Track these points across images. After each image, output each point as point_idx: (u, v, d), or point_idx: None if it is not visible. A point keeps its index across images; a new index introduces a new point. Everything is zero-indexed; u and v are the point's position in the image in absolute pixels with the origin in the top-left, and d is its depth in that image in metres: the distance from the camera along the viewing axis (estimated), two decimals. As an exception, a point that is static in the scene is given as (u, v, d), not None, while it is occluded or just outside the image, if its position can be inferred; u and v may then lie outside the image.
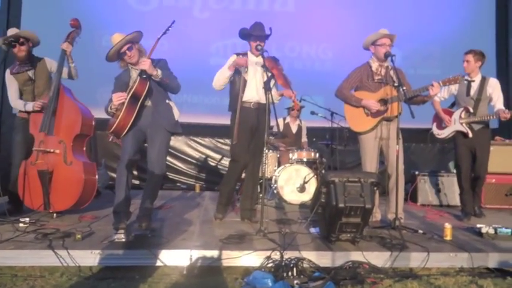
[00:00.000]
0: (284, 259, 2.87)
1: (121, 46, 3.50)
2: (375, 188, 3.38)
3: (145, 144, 3.77)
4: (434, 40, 7.67)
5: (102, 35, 6.70)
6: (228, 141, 6.96)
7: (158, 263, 2.94)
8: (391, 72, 4.04)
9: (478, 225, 3.73)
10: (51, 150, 3.96)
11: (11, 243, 3.06)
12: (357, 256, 3.03)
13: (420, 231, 3.73)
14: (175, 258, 2.98)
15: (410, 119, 3.69)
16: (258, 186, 4.55)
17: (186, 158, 7.35)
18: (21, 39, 4.11)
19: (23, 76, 4.20)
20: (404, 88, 3.81)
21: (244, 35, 4.07)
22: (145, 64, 3.44)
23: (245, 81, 4.01)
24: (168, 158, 7.01)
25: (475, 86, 4.60)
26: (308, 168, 5.43)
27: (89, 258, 2.90)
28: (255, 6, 7.63)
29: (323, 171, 5.55)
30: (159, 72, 3.53)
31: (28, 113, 4.18)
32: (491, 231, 3.60)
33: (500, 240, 3.50)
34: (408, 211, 4.95)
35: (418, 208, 5.46)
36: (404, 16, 7.45)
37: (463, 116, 4.61)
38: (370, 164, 4.09)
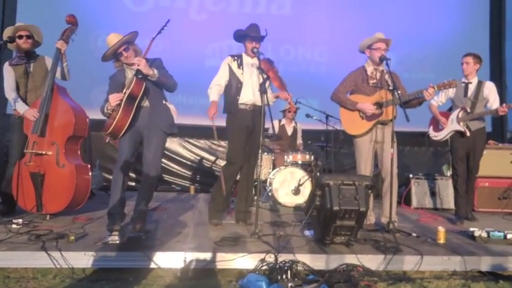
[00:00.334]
0: (278, 262, 2.86)
1: (118, 47, 3.49)
2: (370, 191, 3.40)
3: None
4: (429, 44, 7.73)
5: (98, 35, 6.70)
6: (223, 143, 6.97)
7: (152, 265, 2.93)
8: (386, 76, 4.06)
9: (471, 229, 3.76)
10: (43, 153, 3.93)
11: (3, 244, 3.03)
12: (351, 259, 3.04)
13: (414, 235, 3.75)
14: (169, 260, 2.97)
15: (404, 122, 3.72)
16: (253, 189, 4.55)
17: (181, 159, 7.34)
18: (29, 33, 4.15)
19: (21, 68, 4.18)
20: (399, 92, 3.83)
21: (240, 36, 4.08)
22: (141, 63, 3.42)
23: (241, 83, 4.01)
24: (163, 160, 6.99)
25: (472, 88, 4.68)
26: (303, 171, 5.44)
27: (83, 260, 2.88)
28: (252, 9, 7.65)
29: (318, 174, 5.56)
30: (155, 71, 3.51)
31: None
32: (484, 234, 3.62)
33: (493, 243, 3.53)
34: (402, 214, 4.98)
35: (411, 211, 5.49)
36: (399, 20, 7.50)
37: (460, 115, 4.67)
38: (365, 167, 4.11)
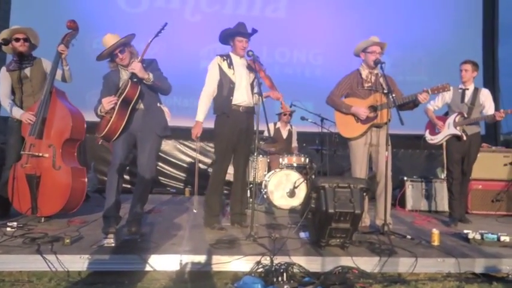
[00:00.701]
0: (274, 264, 2.88)
1: (114, 49, 3.49)
2: (364, 194, 3.42)
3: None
4: (423, 47, 7.80)
5: (93, 37, 6.67)
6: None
7: (148, 268, 2.93)
8: (381, 80, 4.09)
9: (465, 231, 3.79)
10: (40, 155, 3.92)
11: (-2, 247, 3.02)
12: (346, 261, 3.05)
13: (408, 237, 3.77)
14: (165, 263, 2.97)
15: (398, 125, 3.74)
16: (248, 191, 4.56)
17: (176, 162, 7.33)
18: (26, 36, 4.15)
19: (18, 73, 4.17)
20: (393, 95, 3.86)
21: (228, 35, 4.03)
22: (136, 68, 3.42)
23: (233, 84, 3.99)
24: (158, 162, 6.99)
25: (468, 94, 4.78)
26: (298, 174, 5.45)
27: (78, 263, 2.87)
28: (247, 11, 7.67)
29: (313, 177, 5.58)
30: (151, 75, 3.51)
31: None
32: (478, 237, 3.66)
33: (487, 245, 3.56)
34: (397, 216, 5.01)
35: (406, 213, 5.52)
36: (393, 23, 7.56)
37: (457, 120, 4.75)
38: (360, 169, 4.13)
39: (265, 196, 5.46)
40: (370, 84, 4.13)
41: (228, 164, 4.12)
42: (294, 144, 6.51)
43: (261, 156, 5.82)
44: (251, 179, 5.36)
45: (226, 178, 4.20)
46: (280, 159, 5.74)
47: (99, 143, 3.59)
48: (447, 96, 4.82)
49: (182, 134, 7.16)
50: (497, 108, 4.84)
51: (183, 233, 3.78)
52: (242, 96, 4.02)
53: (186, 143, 7.39)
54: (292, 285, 2.65)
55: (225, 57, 4.05)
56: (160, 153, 6.86)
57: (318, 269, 3.01)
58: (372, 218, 4.26)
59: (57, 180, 3.92)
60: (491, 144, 6.19)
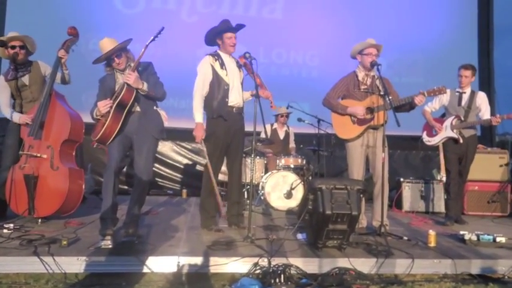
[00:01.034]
0: (271, 266, 2.88)
1: (111, 54, 3.48)
2: (361, 195, 3.43)
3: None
4: (418, 49, 7.85)
5: (89, 38, 6.65)
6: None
7: (145, 270, 2.92)
8: (377, 82, 4.11)
9: (461, 232, 3.81)
10: (38, 155, 3.93)
11: (-5, 249, 3.01)
12: (343, 263, 3.06)
13: (405, 238, 3.78)
14: (162, 264, 2.96)
15: (395, 126, 3.76)
16: (245, 192, 4.55)
17: (173, 163, 7.33)
18: (22, 43, 4.15)
19: (16, 83, 4.18)
20: (390, 97, 3.88)
21: (216, 33, 3.97)
22: (131, 79, 3.40)
23: (228, 85, 3.97)
24: (155, 164, 6.97)
25: (465, 97, 4.85)
26: (295, 175, 5.46)
27: (75, 264, 2.86)
28: (243, 12, 7.69)
29: (310, 178, 5.59)
30: (145, 86, 3.50)
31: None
32: (474, 238, 3.67)
33: (483, 246, 3.58)
34: (393, 218, 5.02)
35: (403, 215, 5.54)
36: (389, 25, 7.60)
37: (454, 123, 4.82)
38: (357, 171, 4.14)
39: (262, 197, 5.46)
40: (366, 86, 4.15)
41: (221, 166, 4.12)
42: (292, 144, 6.53)
43: (258, 157, 5.82)
44: (247, 180, 5.39)
45: (221, 179, 4.19)
46: (277, 161, 5.75)
47: (94, 146, 3.59)
48: (444, 98, 4.88)
49: (179, 136, 7.18)
50: (492, 110, 4.91)
51: (181, 235, 3.78)
52: (236, 98, 4.02)
53: (183, 144, 7.39)
54: (289, 287, 2.66)
55: (216, 57, 3.98)
56: (157, 155, 6.84)
57: (315, 270, 3.02)
58: (368, 219, 4.28)
59: (55, 180, 3.93)
60: (486, 145, 6.24)
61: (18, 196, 3.89)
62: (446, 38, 7.86)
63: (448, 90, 4.58)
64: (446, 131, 4.85)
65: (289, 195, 5.35)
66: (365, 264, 3.08)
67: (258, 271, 2.89)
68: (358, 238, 3.68)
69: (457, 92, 4.87)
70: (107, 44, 3.47)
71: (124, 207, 3.82)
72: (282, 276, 2.72)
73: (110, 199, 3.49)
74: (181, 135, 7.21)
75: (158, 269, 2.95)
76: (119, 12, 7.37)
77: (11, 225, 3.60)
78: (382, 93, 3.97)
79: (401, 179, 5.98)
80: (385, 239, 3.56)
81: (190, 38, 7.19)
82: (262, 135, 5.65)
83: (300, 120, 5.93)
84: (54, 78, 4.11)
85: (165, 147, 7.28)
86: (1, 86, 4.19)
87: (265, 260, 2.95)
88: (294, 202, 5.31)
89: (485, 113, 4.82)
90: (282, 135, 6.43)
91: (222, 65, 3.97)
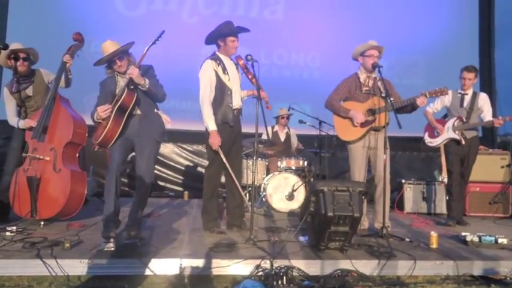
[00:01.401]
0: (274, 268, 2.89)
1: (113, 56, 3.49)
2: (363, 197, 3.43)
3: (133, 153, 3.75)
4: (419, 50, 7.84)
5: (91, 40, 6.62)
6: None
7: (148, 272, 2.93)
8: (379, 83, 4.11)
9: (463, 233, 3.81)
10: (41, 157, 3.96)
11: (-2, 252, 3.02)
12: (345, 264, 3.07)
13: (407, 240, 3.79)
14: (164, 267, 2.98)
15: (396, 127, 3.77)
16: (247, 194, 4.54)
17: (175, 165, 7.33)
18: (25, 55, 4.19)
19: (19, 95, 4.23)
20: (391, 99, 3.88)
21: (221, 35, 3.95)
22: (133, 73, 3.41)
23: (230, 90, 3.97)
24: (157, 166, 6.97)
25: (467, 99, 4.86)
26: (296, 176, 5.46)
27: (78, 267, 2.87)
28: (244, 12, 7.69)
29: (311, 179, 5.60)
30: (147, 81, 3.51)
31: None
32: (476, 239, 3.67)
33: (485, 248, 3.58)
34: (395, 219, 5.02)
35: (404, 216, 5.54)
36: (389, 26, 7.60)
37: (456, 124, 4.82)
38: (359, 172, 4.15)
39: (264, 199, 5.46)
40: (368, 87, 4.16)
41: (223, 168, 4.12)
42: (296, 144, 6.51)
43: (259, 159, 5.82)
44: (249, 182, 5.40)
45: (223, 181, 4.21)
46: (279, 162, 5.76)
47: (95, 149, 3.60)
48: (446, 99, 4.88)
49: (180, 137, 7.19)
50: (494, 111, 4.91)
51: (183, 237, 3.78)
52: (237, 101, 4.04)
53: (184, 146, 7.39)
54: (292, 289, 2.66)
55: (218, 62, 3.97)
56: (158, 157, 6.85)
57: (317, 272, 3.02)
58: (370, 220, 4.28)
59: (57, 182, 3.96)
60: (488, 146, 6.23)
61: (22, 198, 3.92)
62: (447, 39, 7.85)
63: (450, 92, 4.60)
64: (448, 132, 4.85)
65: (290, 196, 5.35)
66: (367, 266, 3.09)
67: (260, 273, 2.90)
68: (360, 240, 3.68)
69: (459, 93, 4.87)
70: (109, 47, 3.48)
71: (126, 209, 3.83)
72: (284, 278, 2.74)
73: (112, 202, 3.50)
74: (183, 137, 7.23)
75: (161, 271, 2.96)
76: (120, 15, 7.39)
77: (14, 227, 3.61)
78: (383, 95, 3.98)
79: (403, 181, 5.98)
80: (387, 240, 3.57)
81: (191, 39, 7.18)
82: (264, 137, 5.69)
83: (301, 122, 5.94)
84: (59, 83, 4.15)
85: (167, 149, 7.28)
86: (6, 97, 4.26)
87: (268, 262, 2.96)
88: (296, 204, 5.31)
89: (487, 114, 4.83)
90: (283, 137, 6.43)
91: (224, 69, 3.97)
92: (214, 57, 4.01)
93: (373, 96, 4.12)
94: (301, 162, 5.77)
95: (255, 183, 3.87)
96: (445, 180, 5.24)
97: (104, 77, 3.71)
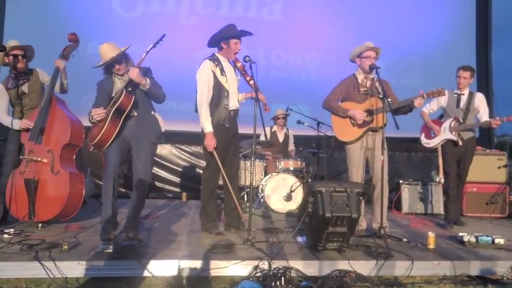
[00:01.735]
0: (272, 269, 2.89)
1: (113, 61, 3.48)
2: (361, 198, 3.45)
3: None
4: (416, 51, 7.87)
5: (88, 42, 6.64)
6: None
7: (146, 274, 2.94)
8: (377, 84, 4.12)
9: (460, 234, 3.83)
10: (39, 159, 3.95)
11: (-4, 254, 3.01)
12: (343, 265, 3.08)
13: (404, 240, 3.80)
14: (163, 268, 2.98)
15: (394, 128, 3.78)
16: (245, 195, 4.55)
17: (172, 166, 7.32)
18: (24, 52, 4.18)
19: (16, 91, 4.21)
20: (389, 100, 3.90)
21: (226, 37, 3.95)
22: (133, 73, 3.41)
23: (227, 91, 3.98)
24: (155, 167, 6.98)
25: (464, 99, 4.84)
26: (295, 177, 5.47)
27: (76, 269, 2.87)
28: (243, 13, 7.69)
29: (309, 180, 5.61)
30: (148, 81, 3.51)
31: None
32: (473, 239, 3.69)
33: (482, 248, 3.60)
34: (392, 219, 5.03)
35: (402, 216, 5.55)
36: (387, 27, 7.62)
37: (453, 125, 4.80)
38: (357, 173, 4.16)
39: (262, 200, 5.47)
40: (366, 88, 4.17)
41: (220, 169, 4.13)
42: (291, 147, 6.54)
43: (257, 160, 5.83)
44: (247, 183, 5.41)
45: (221, 183, 4.21)
46: (277, 163, 5.76)
47: (91, 149, 3.60)
48: (442, 100, 4.87)
49: (178, 139, 7.19)
50: (491, 112, 4.91)
51: (181, 238, 3.79)
52: (234, 102, 4.05)
53: (182, 147, 7.39)
54: (290, 290, 2.67)
55: (216, 63, 3.97)
56: (156, 158, 6.86)
57: (315, 273, 3.03)
58: (368, 221, 4.29)
59: (55, 185, 3.95)
60: (485, 147, 6.25)
61: (19, 201, 3.90)
62: (444, 40, 7.88)
63: (446, 92, 4.58)
64: (445, 133, 4.84)
65: (288, 197, 5.36)
66: (365, 267, 3.10)
67: (258, 274, 2.90)
68: (358, 240, 3.69)
69: (455, 93, 4.86)
70: (107, 50, 3.46)
71: (124, 210, 3.83)
72: (283, 279, 2.74)
73: (109, 203, 3.50)
74: (181, 138, 7.22)
75: (159, 272, 2.96)
76: (117, 16, 7.38)
77: (12, 230, 3.60)
78: (381, 95, 3.99)
79: (401, 181, 5.99)
80: (385, 241, 3.58)
81: (189, 41, 7.22)
82: (262, 138, 5.69)
83: (299, 122, 5.95)
84: (54, 85, 4.14)
85: (164, 150, 7.27)
86: (1, 94, 4.20)
87: (266, 263, 2.96)
88: (294, 205, 5.32)
89: (483, 115, 4.81)
90: (281, 138, 6.45)
91: (222, 71, 3.97)
92: (213, 58, 4.01)
93: (370, 97, 4.13)
94: (299, 163, 5.78)
95: (253, 184, 3.88)
96: (442, 180, 5.25)
97: (101, 78, 3.71)
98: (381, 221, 3.87)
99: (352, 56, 4.22)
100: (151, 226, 4.34)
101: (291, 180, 5.42)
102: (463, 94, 4.84)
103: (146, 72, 3.66)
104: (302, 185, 5.39)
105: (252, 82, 3.96)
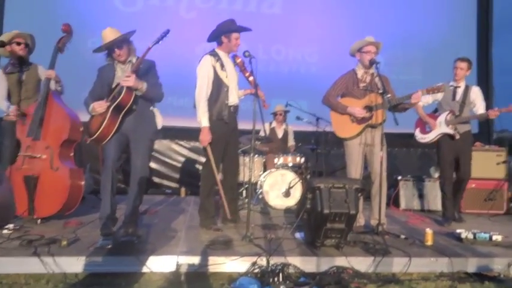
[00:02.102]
0: (270, 265, 2.91)
1: (112, 45, 3.47)
2: (359, 194, 3.45)
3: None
4: (416, 46, 7.84)
5: (88, 37, 6.64)
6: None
7: (145, 270, 2.95)
8: (376, 80, 4.11)
9: (458, 231, 3.84)
10: (38, 156, 3.94)
11: (-5, 250, 3.02)
12: (341, 261, 3.09)
13: (402, 237, 3.81)
14: (161, 264, 2.99)
15: (392, 124, 3.77)
16: (244, 191, 4.55)
17: (171, 162, 7.32)
18: (25, 41, 4.22)
19: (14, 76, 4.20)
20: (389, 95, 3.89)
21: (226, 31, 3.97)
22: (130, 81, 3.38)
23: (227, 87, 4.00)
24: (153, 163, 6.99)
25: (460, 92, 4.75)
26: (293, 173, 5.47)
27: (75, 265, 2.89)
28: (242, 7, 7.66)
29: (308, 176, 5.61)
30: (144, 85, 3.48)
31: (15, 116, 4.15)
32: (471, 236, 3.70)
33: (479, 245, 3.61)
34: (391, 216, 5.05)
35: (400, 213, 5.57)
36: (387, 22, 7.60)
37: (449, 118, 4.71)
38: (355, 169, 4.16)
39: (260, 196, 5.47)
40: (365, 84, 4.15)
41: (220, 165, 4.14)
42: (291, 142, 6.53)
43: (256, 156, 5.83)
44: (246, 178, 5.41)
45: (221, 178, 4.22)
46: (276, 159, 5.76)
47: (88, 142, 3.60)
48: (439, 93, 4.75)
49: (177, 134, 7.19)
50: (490, 107, 4.85)
51: (180, 234, 3.80)
52: (234, 98, 4.06)
53: (181, 142, 7.38)
54: (288, 286, 2.68)
55: (216, 58, 3.99)
56: (155, 153, 6.87)
57: (313, 269, 3.05)
58: (366, 217, 4.30)
59: (55, 181, 3.94)
60: (484, 142, 6.23)
61: (18, 197, 3.89)
62: (445, 35, 7.84)
63: (445, 88, 4.53)
64: (441, 127, 4.72)
65: (287, 193, 5.37)
66: (362, 263, 3.12)
67: (256, 270, 2.92)
68: (356, 237, 3.71)
69: (451, 86, 4.77)
70: (110, 34, 3.48)
71: (123, 206, 3.84)
72: (281, 275, 2.76)
73: (108, 199, 3.51)
74: (180, 134, 7.22)
75: (157, 268, 2.97)
76: (117, 11, 7.35)
77: (11, 225, 3.60)
78: (381, 91, 3.98)
79: (399, 177, 6.00)
80: (383, 237, 3.59)
81: (189, 35, 7.18)
82: (261, 134, 5.70)
83: (298, 118, 5.95)
84: (49, 84, 4.08)
85: (163, 146, 7.27)
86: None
87: (264, 259, 2.98)
88: (292, 201, 5.33)
89: (479, 108, 4.71)
90: (280, 134, 6.44)
91: (222, 66, 3.99)
92: (213, 53, 4.02)
93: (370, 93, 4.12)
94: (298, 159, 5.78)
95: (252, 180, 3.89)
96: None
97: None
98: (379, 217, 3.88)
99: (352, 50, 4.21)
100: (150, 222, 4.35)
101: (290, 176, 5.42)
102: (459, 87, 4.76)
103: (150, 67, 3.65)
104: (301, 181, 5.40)
105: (251, 78, 3.97)
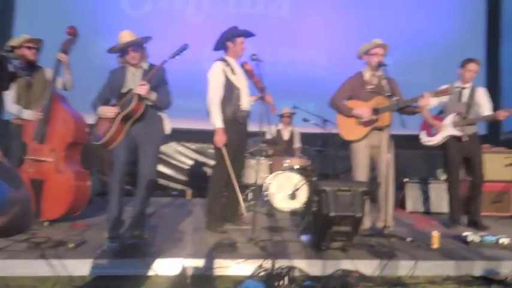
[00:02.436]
0: (275, 268, 2.91)
1: (128, 46, 3.52)
2: (365, 197, 3.44)
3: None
4: (425, 47, 7.79)
5: (96, 41, 6.68)
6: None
7: (151, 273, 2.97)
8: (384, 82, 4.08)
9: (464, 234, 3.81)
10: (44, 159, 3.97)
11: (3, 252, 3.03)
12: (346, 264, 3.09)
13: (408, 239, 3.79)
14: (167, 267, 3.01)
15: (398, 125, 3.76)
16: (250, 194, 4.55)
17: (178, 164, 7.33)
18: (36, 45, 4.26)
19: (23, 80, 4.24)
20: (396, 98, 3.87)
21: (234, 35, 4.03)
22: (143, 90, 3.44)
23: (238, 89, 4.02)
24: (160, 165, 6.99)
25: (466, 93, 4.66)
26: (299, 176, 5.46)
27: (82, 267, 2.91)
28: (250, 9, 7.67)
29: (314, 178, 5.59)
30: (154, 96, 3.56)
31: (23, 119, 4.19)
32: (477, 239, 3.67)
33: (486, 248, 3.58)
34: (397, 218, 4.99)
35: (406, 215, 5.53)
36: (395, 23, 7.56)
37: (456, 120, 4.62)
38: (362, 172, 4.13)
39: (265, 198, 5.47)
40: (372, 86, 4.12)
41: (230, 167, 4.15)
42: (297, 145, 6.51)
43: (263, 158, 5.83)
44: (252, 181, 5.42)
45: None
46: (282, 161, 5.76)
47: (95, 144, 3.64)
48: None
49: (184, 136, 7.20)
50: (499, 107, 4.78)
51: (186, 237, 3.81)
52: (246, 102, 4.09)
53: (187, 145, 7.39)
54: (293, 289, 2.69)
55: (226, 63, 4.05)
56: (161, 156, 6.88)
57: (318, 272, 3.05)
58: (373, 220, 4.28)
59: (61, 183, 3.97)
60: (492, 144, 6.17)
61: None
62: (454, 37, 7.76)
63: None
64: (447, 129, 4.63)
65: (293, 196, 5.35)
66: (368, 266, 3.11)
67: (262, 273, 2.92)
68: (362, 240, 3.69)
69: (457, 87, 4.67)
70: (127, 36, 3.55)
71: (129, 208, 3.86)
72: (286, 278, 2.76)
73: (115, 202, 3.55)
74: (186, 136, 7.23)
75: (163, 271, 2.99)
76: (125, 14, 7.40)
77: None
78: (388, 94, 3.96)
79: (406, 179, 5.95)
80: (389, 240, 3.58)
81: (197, 38, 7.15)
82: (267, 136, 5.71)
83: (305, 120, 5.94)
84: (55, 81, 4.11)
85: (170, 148, 7.28)
86: None
87: (269, 262, 2.98)
88: (298, 203, 5.31)
89: (485, 110, 4.61)
90: (286, 136, 6.44)
91: (233, 71, 4.04)
92: (223, 59, 4.10)
93: (377, 95, 4.09)
94: (304, 161, 5.77)
95: (258, 182, 3.90)
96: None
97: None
98: (385, 220, 3.86)
99: (360, 53, 4.19)
100: (156, 224, 4.37)
101: (296, 179, 5.41)
102: (464, 88, 4.66)
103: (161, 75, 3.70)
104: (307, 183, 5.38)
105: (259, 84, 4.01)
